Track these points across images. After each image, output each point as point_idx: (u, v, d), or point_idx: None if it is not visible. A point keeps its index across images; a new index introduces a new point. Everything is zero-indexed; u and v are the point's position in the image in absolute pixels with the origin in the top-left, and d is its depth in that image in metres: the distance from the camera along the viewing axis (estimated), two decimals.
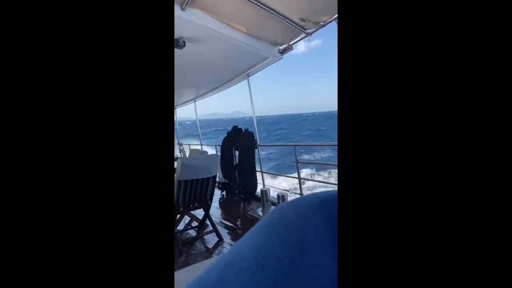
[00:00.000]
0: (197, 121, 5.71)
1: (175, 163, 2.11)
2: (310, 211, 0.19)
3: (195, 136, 5.94)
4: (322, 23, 2.23)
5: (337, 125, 0.24)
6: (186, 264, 1.91)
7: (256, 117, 3.72)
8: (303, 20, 2.21)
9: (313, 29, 2.38)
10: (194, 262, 1.97)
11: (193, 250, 2.18)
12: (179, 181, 2.08)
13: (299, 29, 2.40)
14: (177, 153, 6.10)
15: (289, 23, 2.29)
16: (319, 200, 0.20)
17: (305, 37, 2.52)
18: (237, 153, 3.88)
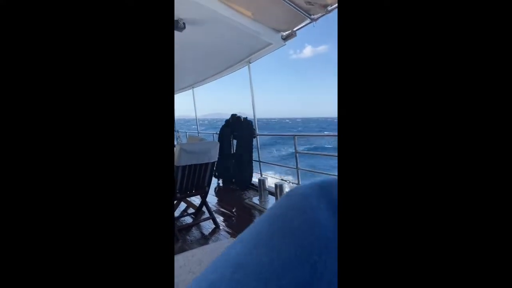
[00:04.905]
0: (195, 108, 5.63)
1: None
2: (315, 201, 0.20)
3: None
4: (329, 8, 2.15)
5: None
6: (182, 250, 1.89)
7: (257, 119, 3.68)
8: (308, 3, 2.13)
9: (319, 14, 2.31)
10: (191, 248, 1.95)
11: (189, 236, 2.17)
12: (177, 167, 2.04)
13: (304, 14, 2.32)
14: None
15: (294, 7, 2.21)
16: (320, 188, 0.21)
17: (310, 22, 2.44)
18: (235, 142, 3.84)
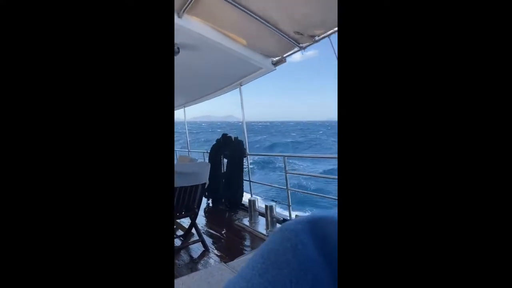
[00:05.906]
0: (186, 127, 5.64)
1: None
2: (305, 237, 0.20)
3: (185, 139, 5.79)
4: (317, 38, 2.29)
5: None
6: None
7: (247, 122, 3.71)
8: (298, 33, 2.26)
9: (307, 43, 2.44)
10: (179, 273, 1.90)
11: (178, 260, 2.11)
12: None
13: (293, 43, 2.45)
14: None
15: (284, 36, 2.34)
16: (309, 224, 0.21)
17: (299, 50, 2.57)
18: (225, 161, 3.84)
